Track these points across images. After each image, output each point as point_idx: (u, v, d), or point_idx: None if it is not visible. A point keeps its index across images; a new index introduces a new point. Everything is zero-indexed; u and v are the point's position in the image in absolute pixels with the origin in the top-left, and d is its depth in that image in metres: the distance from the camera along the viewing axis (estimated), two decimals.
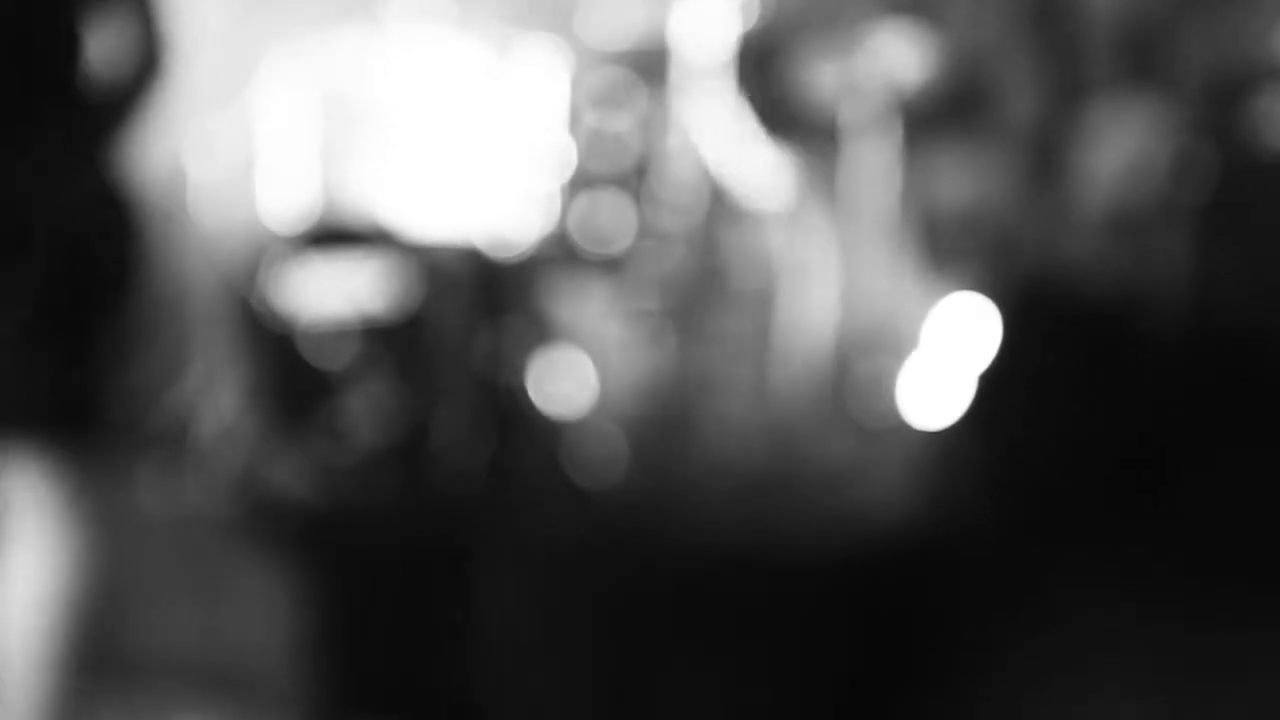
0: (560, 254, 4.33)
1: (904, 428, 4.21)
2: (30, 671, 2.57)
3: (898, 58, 4.47)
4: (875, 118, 4.51)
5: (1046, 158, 4.71)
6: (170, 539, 3.79)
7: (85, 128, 2.56)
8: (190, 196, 4.40)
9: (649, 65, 4.73)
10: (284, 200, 4.40)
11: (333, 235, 4.11)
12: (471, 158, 4.54)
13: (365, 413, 3.97)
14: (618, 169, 4.39)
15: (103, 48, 2.57)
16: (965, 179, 4.90)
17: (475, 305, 4.11)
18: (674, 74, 4.65)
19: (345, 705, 3.46)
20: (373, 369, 3.99)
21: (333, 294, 4.05)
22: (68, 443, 2.59)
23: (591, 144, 4.40)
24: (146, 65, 2.60)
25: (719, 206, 4.47)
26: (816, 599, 3.13)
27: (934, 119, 4.82)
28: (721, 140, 4.53)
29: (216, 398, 4.22)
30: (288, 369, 4.04)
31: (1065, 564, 2.95)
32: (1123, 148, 4.47)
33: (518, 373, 4.10)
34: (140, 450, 4.20)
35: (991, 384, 3.71)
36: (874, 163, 4.53)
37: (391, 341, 4.00)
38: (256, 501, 3.91)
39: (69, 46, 2.53)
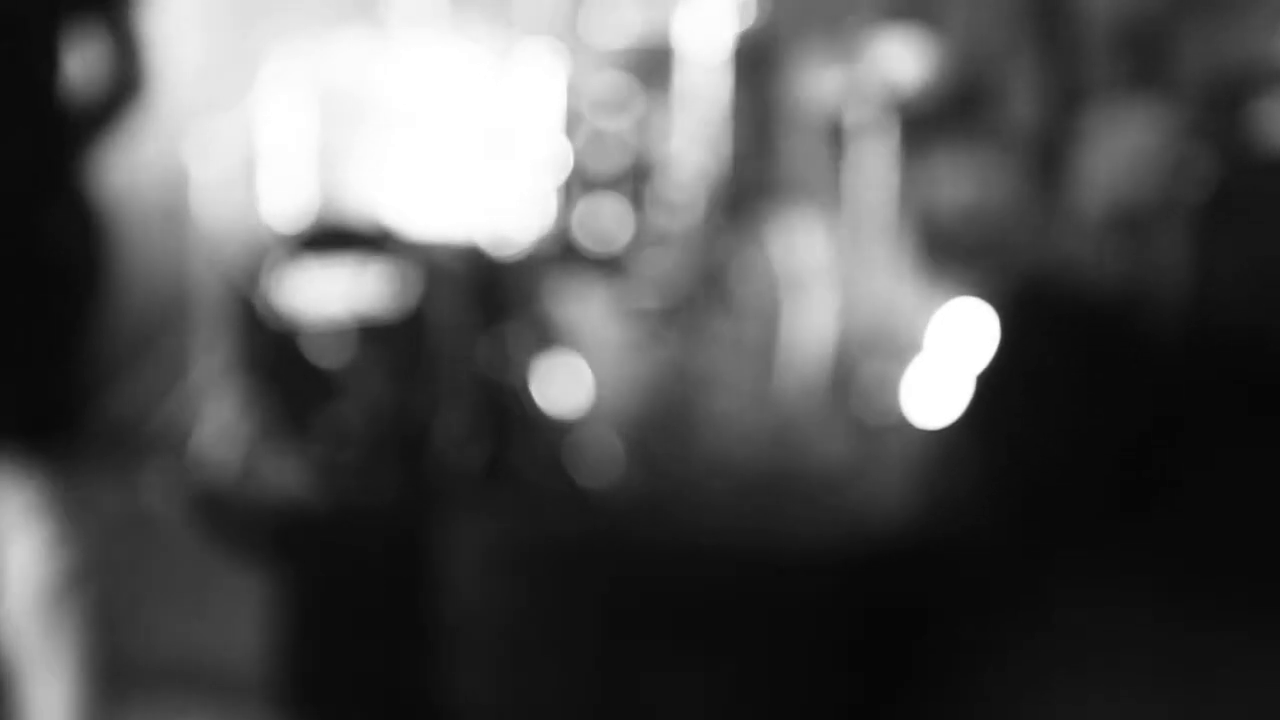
0: (560, 254, 4.33)
1: (904, 427, 4.21)
2: (43, 676, 2.58)
3: (898, 61, 4.48)
4: (876, 120, 4.52)
5: (1047, 159, 4.72)
6: (165, 539, 3.79)
7: (59, 141, 2.59)
8: (192, 197, 4.41)
9: (649, 66, 4.74)
10: (285, 200, 4.40)
11: (333, 235, 4.11)
12: (471, 158, 4.54)
13: (365, 412, 3.97)
14: (617, 170, 4.39)
15: (81, 66, 2.60)
16: (965, 181, 4.90)
17: (475, 305, 4.11)
18: (674, 75, 4.66)
19: (338, 706, 3.46)
20: (373, 368, 3.99)
21: (333, 294, 4.05)
22: (47, 449, 2.59)
23: (591, 145, 4.40)
24: (123, 85, 2.64)
25: (719, 206, 4.48)
26: (816, 598, 3.13)
27: (934, 121, 4.82)
28: (721, 140, 4.53)
29: (217, 397, 4.22)
30: (288, 368, 4.04)
31: (1065, 564, 2.94)
32: (1123, 148, 4.48)
33: (518, 372, 4.10)
34: (138, 451, 4.21)
35: (991, 384, 3.71)
36: (874, 165, 4.53)
37: (391, 341, 4.00)
38: (254, 501, 3.91)
39: (48, 64, 2.55)
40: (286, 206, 4.38)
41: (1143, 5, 4.52)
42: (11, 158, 2.52)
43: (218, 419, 4.19)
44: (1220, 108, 4.23)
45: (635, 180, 4.40)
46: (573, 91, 4.51)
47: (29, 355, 2.56)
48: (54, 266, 2.57)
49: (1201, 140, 4.16)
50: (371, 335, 4.01)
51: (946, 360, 4.48)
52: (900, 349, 4.58)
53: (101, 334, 2.65)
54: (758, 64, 4.91)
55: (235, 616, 3.56)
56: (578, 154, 4.38)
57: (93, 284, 2.62)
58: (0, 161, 2.51)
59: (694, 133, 4.47)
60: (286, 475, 4.04)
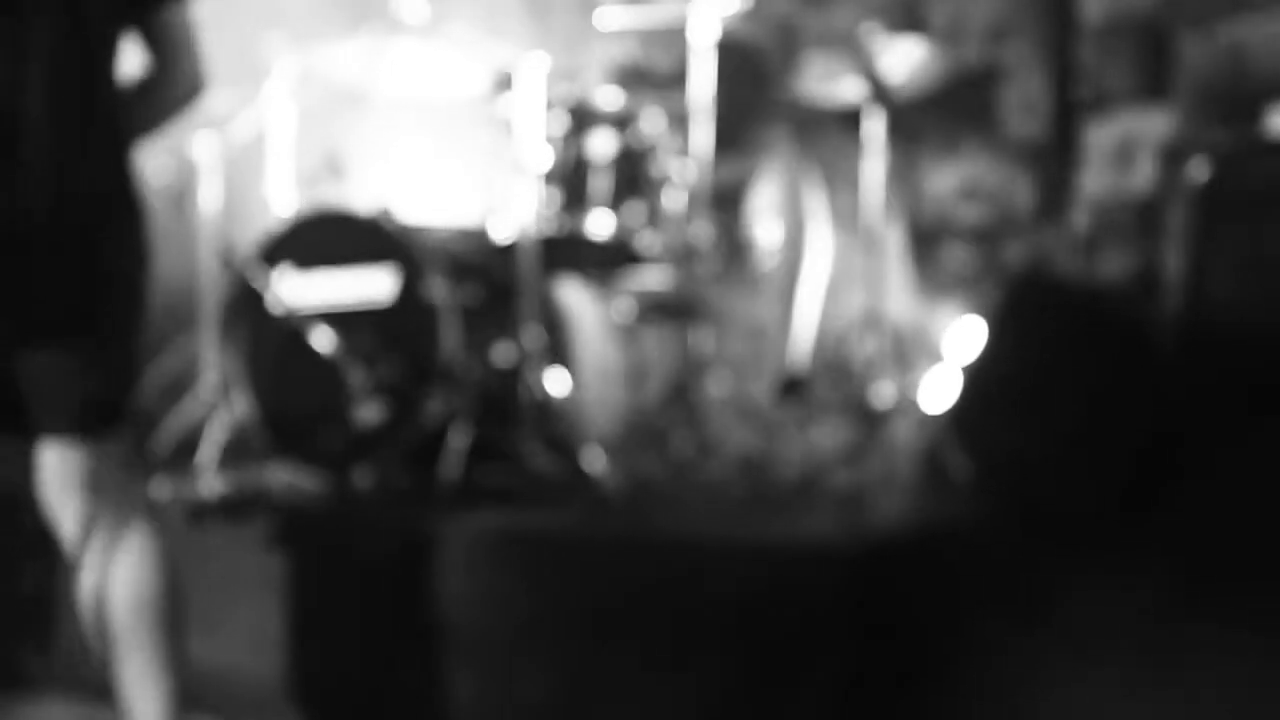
0: (560, 242, 4.33)
1: (902, 421, 4.22)
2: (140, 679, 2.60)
3: (898, 60, 4.48)
4: (874, 117, 4.52)
5: (1045, 156, 4.73)
6: (168, 537, 3.79)
7: (118, 143, 2.62)
8: (198, 190, 4.43)
9: (648, 60, 4.74)
10: (288, 193, 4.42)
11: (335, 227, 4.12)
12: (471, 150, 4.55)
13: (365, 400, 3.97)
14: (612, 157, 4.39)
15: (132, 68, 2.64)
16: (963, 176, 4.91)
17: (475, 294, 4.12)
18: (672, 69, 4.67)
19: (333, 701, 3.46)
20: (372, 357, 4.00)
21: (334, 284, 4.07)
22: (93, 437, 2.60)
23: (585, 134, 4.41)
24: (171, 87, 2.68)
25: (712, 194, 4.48)
26: (813, 595, 3.13)
27: (932, 119, 4.83)
28: (720, 134, 4.54)
29: (222, 391, 4.23)
30: (291, 358, 4.05)
31: (1064, 563, 2.96)
32: (1119, 146, 4.49)
33: (517, 360, 4.11)
34: (148, 444, 4.22)
35: (989, 381, 3.72)
36: (873, 161, 4.54)
37: (391, 330, 4.01)
38: (255, 497, 3.92)
39: (105, 66, 2.58)
40: (289, 200, 4.39)
41: (1143, 8, 4.54)
42: (76, 159, 2.53)
43: (222, 413, 4.20)
44: (1220, 108, 4.24)
45: (630, 168, 4.40)
46: (572, 84, 4.52)
47: (98, 350, 2.57)
48: (114, 265, 2.59)
49: (1200, 140, 4.17)
50: (371, 325, 4.01)
51: (945, 354, 4.50)
52: (899, 340, 4.59)
53: (142, 320, 2.67)
54: (749, 53, 4.93)
55: (235, 614, 3.57)
56: (572, 143, 4.38)
57: (143, 279, 2.64)
58: (66, 162, 2.52)
59: (688, 122, 4.47)
60: (288, 470, 4.05)
